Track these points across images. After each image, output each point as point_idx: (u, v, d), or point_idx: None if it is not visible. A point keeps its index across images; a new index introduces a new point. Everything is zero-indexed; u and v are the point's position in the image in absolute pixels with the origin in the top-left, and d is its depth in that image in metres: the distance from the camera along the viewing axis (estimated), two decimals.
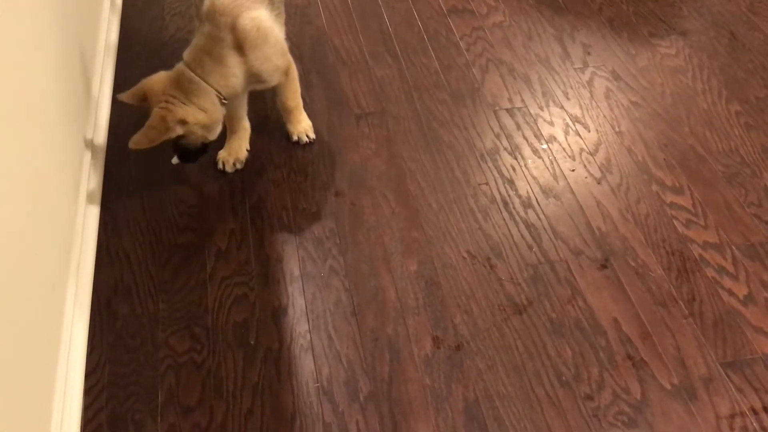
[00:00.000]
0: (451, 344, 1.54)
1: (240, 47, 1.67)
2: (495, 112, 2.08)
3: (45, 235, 1.42)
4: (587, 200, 1.85)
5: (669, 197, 1.85)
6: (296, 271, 1.68)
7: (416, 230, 1.77)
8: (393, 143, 1.98)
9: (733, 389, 1.47)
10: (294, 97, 1.91)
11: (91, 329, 1.54)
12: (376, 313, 1.59)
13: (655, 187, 1.88)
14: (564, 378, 1.48)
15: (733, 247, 1.74)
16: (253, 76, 1.73)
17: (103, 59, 2.10)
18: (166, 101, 1.64)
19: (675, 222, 1.79)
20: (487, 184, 1.88)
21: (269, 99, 2.04)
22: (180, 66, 1.68)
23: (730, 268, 1.69)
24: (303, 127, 1.95)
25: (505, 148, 1.98)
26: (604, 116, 2.08)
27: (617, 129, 2.04)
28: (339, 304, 1.61)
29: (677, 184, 1.89)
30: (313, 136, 1.96)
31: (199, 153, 1.77)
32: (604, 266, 1.69)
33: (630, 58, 2.27)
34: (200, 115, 1.67)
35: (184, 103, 1.65)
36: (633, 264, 1.70)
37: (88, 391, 1.44)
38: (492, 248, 1.73)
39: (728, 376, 1.49)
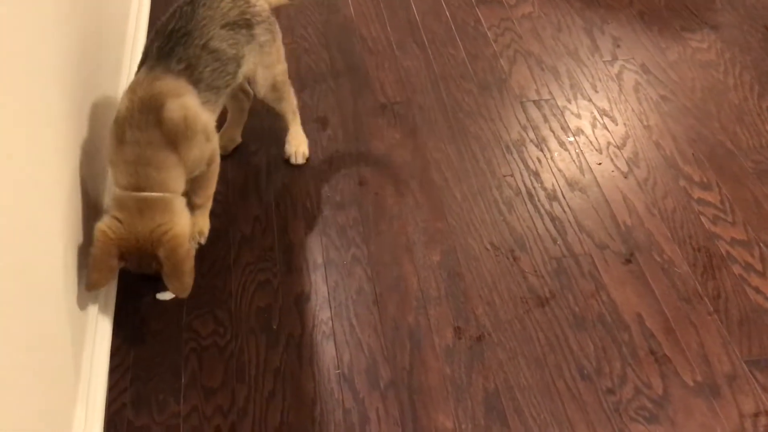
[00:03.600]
0: (473, 335, 1.54)
1: (172, 142, 1.44)
2: (522, 103, 2.07)
3: (75, 217, 1.45)
4: (613, 194, 1.83)
5: (697, 193, 1.83)
6: (319, 259, 1.68)
7: (440, 221, 1.77)
8: (418, 133, 1.98)
9: (758, 388, 1.45)
10: (204, 195, 1.61)
11: (117, 310, 1.57)
12: (398, 302, 1.60)
13: (682, 182, 1.86)
14: (585, 371, 1.48)
15: (762, 245, 1.71)
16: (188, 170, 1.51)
17: None
18: (162, 229, 1.42)
19: (702, 218, 1.77)
20: (512, 175, 1.87)
21: (302, 89, 2.05)
22: (120, 196, 1.43)
23: (758, 266, 1.67)
24: (199, 228, 1.64)
25: (531, 140, 1.97)
26: (633, 110, 2.06)
27: (645, 123, 2.02)
28: (361, 292, 1.62)
29: (705, 180, 1.86)
30: (203, 241, 1.66)
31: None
32: (628, 261, 1.68)
33: (660, 52, 2.24)
34: (189, 220, 1.50)
35: (175, 222, 1.44)
36: (658, 259, 1.68)
37: (113, 371, 1.46)
38: (516, 240, 1.72)
39: (753, 375, 1.47)
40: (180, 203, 1.48)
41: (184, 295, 1.46)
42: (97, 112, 1.66)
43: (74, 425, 1.31)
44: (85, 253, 1.49)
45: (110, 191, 1.46)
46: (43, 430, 1.16)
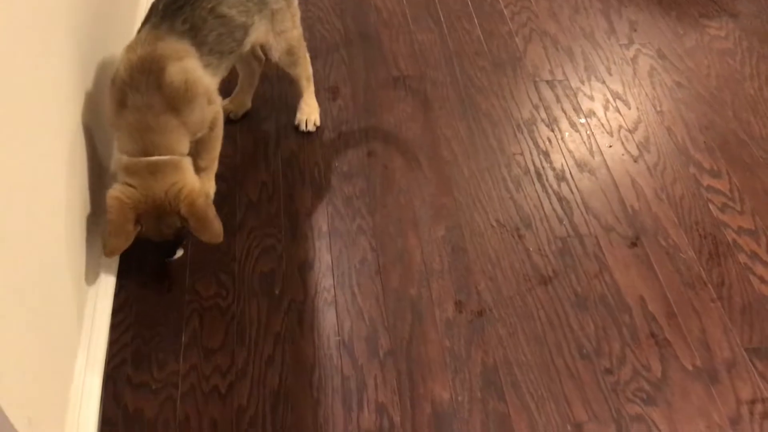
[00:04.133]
0: (474, 309, 1.54)
1: (173, 106, 1.43)
2: (535, 83, 2.06)
3: (78, 179, 1.45)
4: (622, 177, 1.82)
5: (706, 180, 1.82)
6: (324, 227, 1.68)
7: (446, 196, 1.76)
8: (429, 108, 1.97)
9: (757, 375, 1.45)
10: (208, 157, 1.59)
11: (121, 268, 1.57)
12: (401, 274, 1.60)
13: (692, 169, 1.84)
14: (585, 351, 1.48)
15: None
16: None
17: None
18: (177, 187, 1.43)
19: (710, 205, 1.76)
20: (521, 154, 1.86)
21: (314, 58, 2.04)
22: (129, 163, 1.43)
23: (764, 255, 1.66)
24: (205, 190, 1.60)
25: (542, 120, 1.95)
26: (646, 94, 2.04)
27: (658, 108, 2.00)
28: (365, 262, 1.62)
29: (716, 168, 1.85)
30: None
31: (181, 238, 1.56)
32: (634, 244, 1.67)
33: (677, 38, 2.22)
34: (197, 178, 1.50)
35: (187, 179, 1.45)
36: (664, 244, 1.67)
37: (114, 328, 1.47)
38: (522, 219, 1.72)
39: (752, 362, 1.47)
40: (187, 163, 1.48)
41: (219, 240, 1.47)
42: (105, 69, 1.65)
43: (74, 378, 1.32)
44: (95, 208, 1.50)
45: (116, 157, 1.46)
46: (44, 379, 1.17)
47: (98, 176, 1.55)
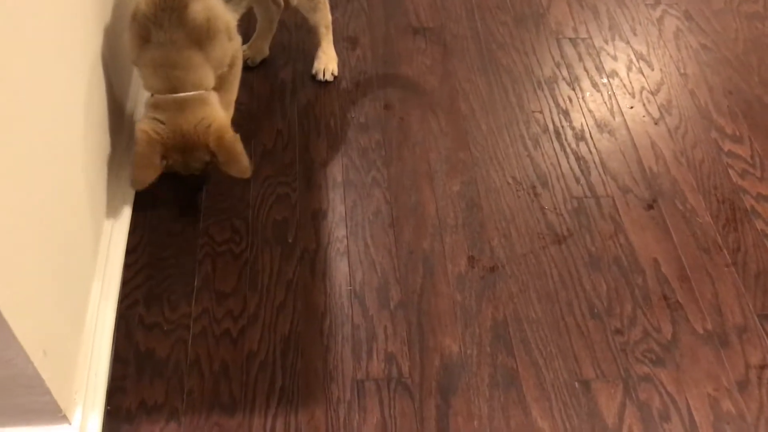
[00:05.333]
0: (486, 265, 1.54)
1: (197, 42, 1.43)
2: (558, 40, 2.02)
3: (99, 116, 1.44)
4: (642, 139, 1.79)
5: (727, 145, 1.79)
6: (339, 178, 1.67)
7: (463, 151, 1.74)
8: (448, 61, 1.94)
9: None
10: (226, 97, 1.58)
11: (135, 210, 1.57)
12: (414, 227, 1.59)
13: (714, 134, 1.82)
14: (596, 310, 1.47)
15: None
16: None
17: None
18: (206, 122, 1.43)
19: (730, 171, 1.74)
20: (541, 112, 1.84)
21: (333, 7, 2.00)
22: (157, 100, 1.44)
23: None
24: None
25: (563, 78, 1.92)
26: (671, 56, 2.00)
27: (682, 71, 1.96)
28: (378, 214, 1.61)
29: (737, 133, 1.82)
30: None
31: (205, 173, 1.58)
32: (650, 206, 1.66)
33: (705, 0, 2.17)
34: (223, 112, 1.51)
35: (215, 113, 1.46)
36: (681, 207, 1.66)
37: (128, 267, 1.48)
38: (538, 177, 1.70)
39: (764, 328, 1.47)
40: (214, 97, 1.48)
41: (248, 174, 1.49)
42: (121, 6, 1.63)
43: (88, 314, 1.33)
44: (113, 145, 1.49)
45: (143, 94, 1.45)
46: (59, 313, 1.18)
47: (114, 112, 1.55)
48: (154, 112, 1.44)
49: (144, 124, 1.43)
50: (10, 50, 0.99)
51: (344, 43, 1.96)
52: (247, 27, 1.91)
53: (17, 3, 1.02)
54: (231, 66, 1.54)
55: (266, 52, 1.89)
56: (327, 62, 1.86)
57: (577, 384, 1.37)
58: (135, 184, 1.46)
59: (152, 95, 1.46)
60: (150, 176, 1.44)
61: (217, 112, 1.47)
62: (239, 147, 1.47)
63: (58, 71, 1.21)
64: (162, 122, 1.43)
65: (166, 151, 1.44)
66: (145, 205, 1.58)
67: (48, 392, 1.08)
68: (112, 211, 1.50)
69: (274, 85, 1.86)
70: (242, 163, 1.48)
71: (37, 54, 1.10)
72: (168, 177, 1.59)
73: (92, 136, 1.39)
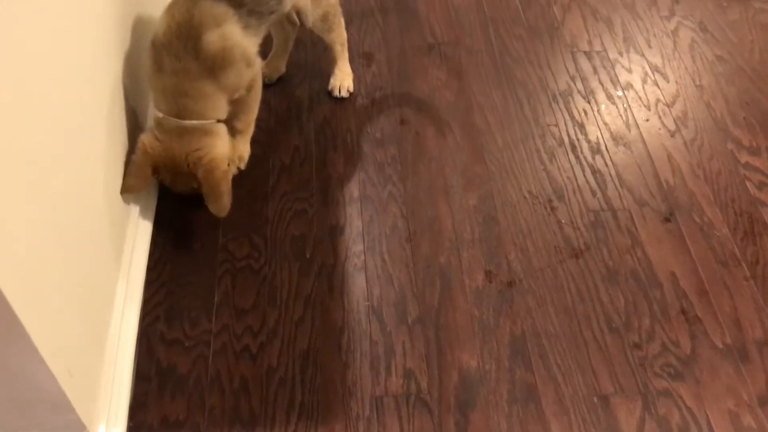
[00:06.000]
0: (503, 279, 1.54)
1: (210, 72, 1.44)
2: (572, 53, 2.02)
3: (118, 139, 1.46)
4: (658, 152, 1.79)
5: (744, 157, 1.79)
6: (356, 193, 1.69)
7: (479, 165, 1.75)
8: (464, 75, 1.95)
9: None
10: (245, 120, 1.61)
11: (155, 227, 1.59)
12: (431, 242, 1.60)
13: (730, 146, 1.81)
14: (614, 324, 1.47)
15: None
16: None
17: None
18: (199, 153, 1.46)
19: (747, 183, 1.74)
20: (556, 125, 1.84)
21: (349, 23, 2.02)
22: (162, 119, 1.47)
23: None
24: (239, 153, 1.64)
25: (578, 91, 1.93)
26: (686, 68, 2.00)
27: (698, 82, 1.96)
28: (395, 229, 1.62)
29: (755, 145, 1.82)
30: (243, 167, 1.66)
31: None
32: (667, 220, 1.66)
33: (720, 11, 2.17)
34: (228, 145, 1.54)
35: (213, 145, 1.49)
36: (698, 220, 1.66)
37: (148, 285, 1.50)
38: (555, 190, 1.71)
39: None
40: (220, 128, 1.50)
41: (222, 214, 1.50)
42: (142, 26, 1.66)
43: (110, 332, 1.35)
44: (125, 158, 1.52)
45: (153, 110, 1.49)
46: (82, 332, 1.20)
47: (134, 124, 1.58)
48: (156, 130, 1.49)
49: (146, 136, 1.48)
50: (35, 77, 1.01)
51: (360, 60, 1.98)
52: (263, 45, 1.94)
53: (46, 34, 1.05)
54: (250, 89, 1.56)
55: (283, 69, 1.91)
56: (343, 79, 1.87)
57: (595, 399, 1.37)
58: (123, 189, 1.47)
59: (157, 113, 1.49)
60: (137, 185, 1.49)
61: (218, 144, 1.49)
62: (225, 186, 1.49)
63: (81, 91, 1.23)
64: (159, 142, 1.47)
65: (156, 167, 1.49)
66: (164, 223, 1.60)
67: (72, 410, 1.10)
68: (132, 228, 1.52)
69: (291, 102, 1.88)
70: (222, 203, 1.48)
71: (60, 77, 1.13)
72: (188, 195, 1.61)
73: (114, 160, 1.41)
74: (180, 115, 1.46)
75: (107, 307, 1.36)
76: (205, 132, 1.48)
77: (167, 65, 1.44)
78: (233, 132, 1.59)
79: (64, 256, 1.11)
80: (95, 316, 1.28)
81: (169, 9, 1.46)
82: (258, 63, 1.57)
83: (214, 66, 1.44)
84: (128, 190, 1.48)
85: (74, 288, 1.16)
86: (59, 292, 1.08)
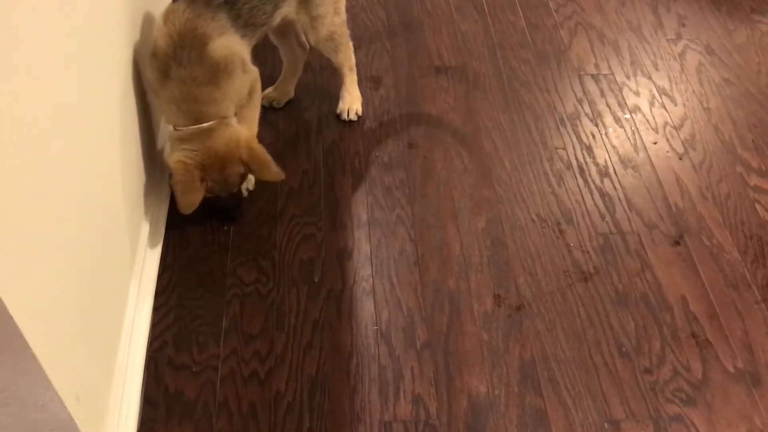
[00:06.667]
0: (512, 304, 1.53)
1: (215, 79, 1.49)
2: (580, 76, 2.03)
3: (128, 164, 1.47)
4: (667, 175, 1.79)
5: (753, 180, 1.78)
6: (364, 217, 1.69)
7: (487, 188, 1.75)
8: (471, 99, 1.96)
9: None
10: (248, 125, 1.63)
11: (164, 252, 1.60)
12: (440, 266, 1.60)
13: (739, 168, 1.81)
14: (624, 349, 1.46)
15: None
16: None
17: None
18: (234, 137, 1.52)
19: (757, 205, 1.73)
20: (564, 148, 1.85)
21: (357, 47, 2.04)
22: (182, 134, 1.51)
23: None
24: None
25: (586, 114, 1.93)
26: (693, 91, 2.00)
27: (705, 105, 1.97)
28: (403, 252, 1.62)
29: (764, 167, 1.81)
30: (251, 187, 1.71)
31: (239, 202, 1.66)
32: (677, 243, 1.65)
33: (727, 34, 2.17)
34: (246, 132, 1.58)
35: (239, 131, 1.54)
36: (707, 243, 1.65)
37: (157, 309, 1.50)
38: (563, 213, 1.70)
39: None
40: (235, 122, 1.55)
41: (282, 177, 1.57)
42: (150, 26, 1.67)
43: (118, 358, 1.35)
44: (148, 175, 1.52)
45: (167, 130, 1.52)
46: (90, 358, 1.20)
47: (147, 141, 1.59)
48: (182, 144, 1.51)
49: (176, 155, 1.51)
50: (54, 91, 1.02)
51: (368, 83, 1.99)
52: (272, 69, 1.96)
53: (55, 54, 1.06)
54: (251, 93, 1.61)
55: (291, 93, 1.93)
56: (351, 102, 1.88)
57: (606, 424, 1.36)
58: (183, 209, 1.53)
59: (174, 128, 1.52)
60: (195, 199, 1.53)
61: (241, 130, 1.55)
62: (267, 155, 1.56)
63: (94, 107, 1.24)
64: (193, 150, 1.50)
65: (204, 173, 1.52)
66: (173, 247, 1.61)
67: None
68: (141, 254, 1.53)
69: (300, 125, 1.89)
70: (274, 168, 1.56)
71: (75, 92, 1.14)
72: (197, 219, 1.62)
73: (128, 184, 1.42)
74: (198, 121, 1.51)
75: (116, 332, 1.36)
76: (226, 125, 1.53)
77: (173, 73, 1.47)
78: None
79: (74, 283, 1.11)
80: (104, 340, 1.28)
81: (167, 20, 1.49)
82: (253, 69, 1.62)
83: (219, 73, 1.49)
84: (186, 207, 1.52)
85: (83, 313, 1.16)
86: (68, 317, 1.09)
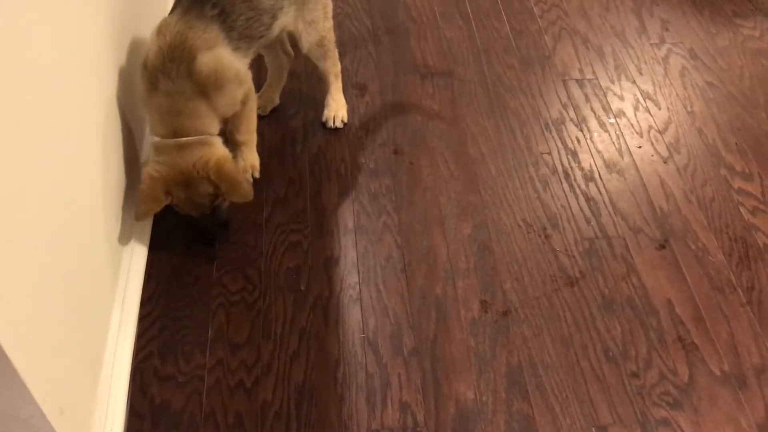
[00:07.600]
0: (499, 309, 1.53)
1: (203, 92, 1.49)
2: (564, 81, 2.04)
3: (111, 173, 1.46)
4: (651, 178, 1.80)
5: (737, 183, 1.80)
6: (350, 224, 1.69)
7: (473, 194, 1.76)
8: (457, 105, 1.96)
9: None
10: (246, 131, 1.65)
11: (149, 261, 1.59)
12: (426, 272, 1.60)
13: (723, 171, 1.82)
14: (611, 353, 1.47)
15: None
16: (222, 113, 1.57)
17: None
18: (204, 159, 1.50)
19: (741, 208, 1.74)
20: (549, 153, 1.85)
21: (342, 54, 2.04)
22: (159, 144, 1.51)
23: None
24: (250, 163, 1.71)
25: (571, 119, 1.94)
26: (677, 95, 2.02)
27: (689, 109, 1.98)
28: (390, 259, 1.62)
29: (747, 170, 1.82)
30: (257, 175, 1.72)
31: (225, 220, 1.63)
32: (662, 246, 1.66)
33: (710, 37, 2.19)
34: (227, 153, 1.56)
35: (213, 152, 1.52)
36: (693, 247, 1.66)
37: (142, 319, 1.49)
38: (549, 218, 1.71)
39: None
40: (215, 140, 1.54)
41: (250, 197, 1.54)
42: (137, 49, 1.67)
43: (103, 370, 1.34)
44: (130, 187, 1.52)
45: (150, 138, 1.51)
46: (74, 370, 1.19)
47: (129, 150, 1.58)
48: (156, 156, 1.51)
49: (149, 167, 1.51)
50: (29, 108, 1.02)
51: (353, 90, 1.99)
52: (257, 76, 1.95)
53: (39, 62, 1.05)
54: (245, 103, 1.60)
55: (277, 101, 1.92)
56: (337, 109, 1.88)
57: (594, 430, 1.36)
58: (138, 216, 1.51)
59: (156, 139, 1.52)
60: (152, 209, 1.52)
61: (218, 150, 1.53)
62: (239, 175, 1.54)
63: (74, 121, 1.23)
64: (162, 163, 1.49)
65: (168, 187, 1.50)
66: (158, 257, 1.60)
67: None
68: (126, 263, 1.52)
69: (285, 133, 1.88)
70: (243, 189, 1.53)
71: (57, 100, 1.13)
72: (182, 228, 1.61)
73: (109, 198, 1.41)
74: (177, 134, 1.50)
75: (100, 344, 1.35)
76: (203, 144, 1.52)
77: (161, 86, 1.47)
78: (237, 145, 1.65)
79: (57, 293, 1.10)
80: (88, 352, 1.27)
81: (159, 32, 1.49)
82: (249, 78, 1.61)
83: (207, 86, 1.48)
84: (142, 216, 1.51)
85: (66, 325, 1.15)
86: (50, 328, 1.08)
